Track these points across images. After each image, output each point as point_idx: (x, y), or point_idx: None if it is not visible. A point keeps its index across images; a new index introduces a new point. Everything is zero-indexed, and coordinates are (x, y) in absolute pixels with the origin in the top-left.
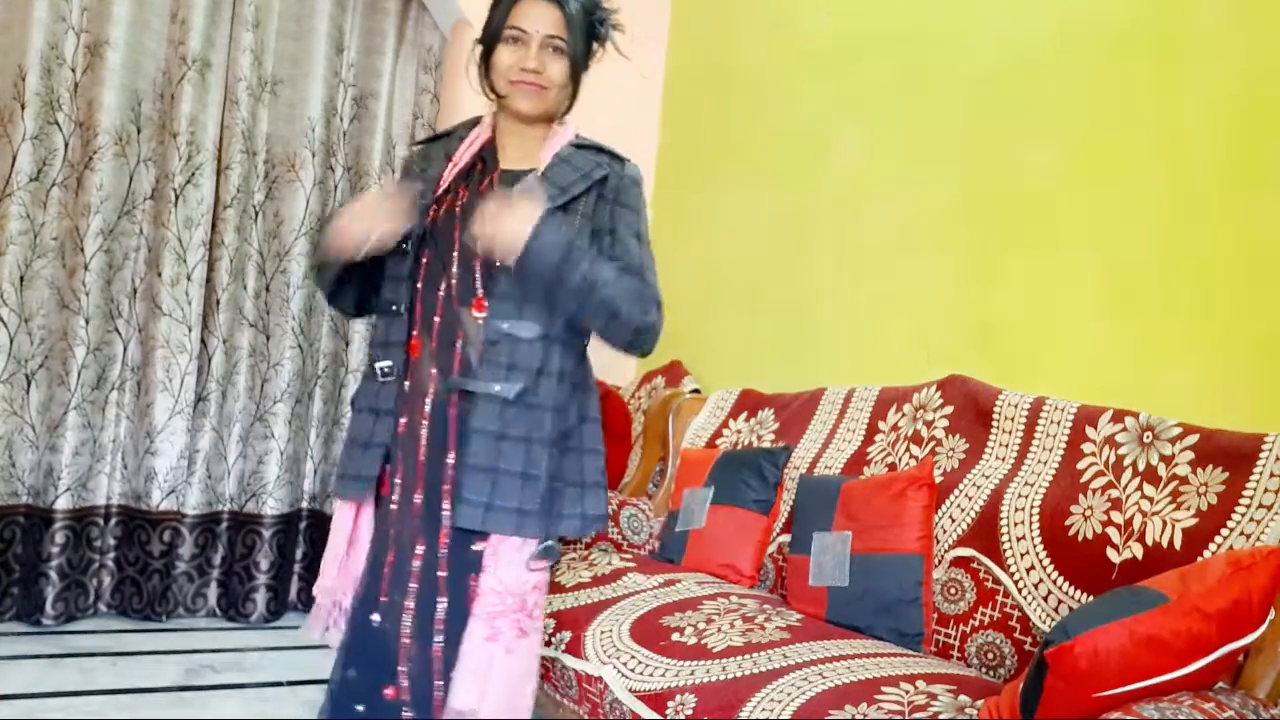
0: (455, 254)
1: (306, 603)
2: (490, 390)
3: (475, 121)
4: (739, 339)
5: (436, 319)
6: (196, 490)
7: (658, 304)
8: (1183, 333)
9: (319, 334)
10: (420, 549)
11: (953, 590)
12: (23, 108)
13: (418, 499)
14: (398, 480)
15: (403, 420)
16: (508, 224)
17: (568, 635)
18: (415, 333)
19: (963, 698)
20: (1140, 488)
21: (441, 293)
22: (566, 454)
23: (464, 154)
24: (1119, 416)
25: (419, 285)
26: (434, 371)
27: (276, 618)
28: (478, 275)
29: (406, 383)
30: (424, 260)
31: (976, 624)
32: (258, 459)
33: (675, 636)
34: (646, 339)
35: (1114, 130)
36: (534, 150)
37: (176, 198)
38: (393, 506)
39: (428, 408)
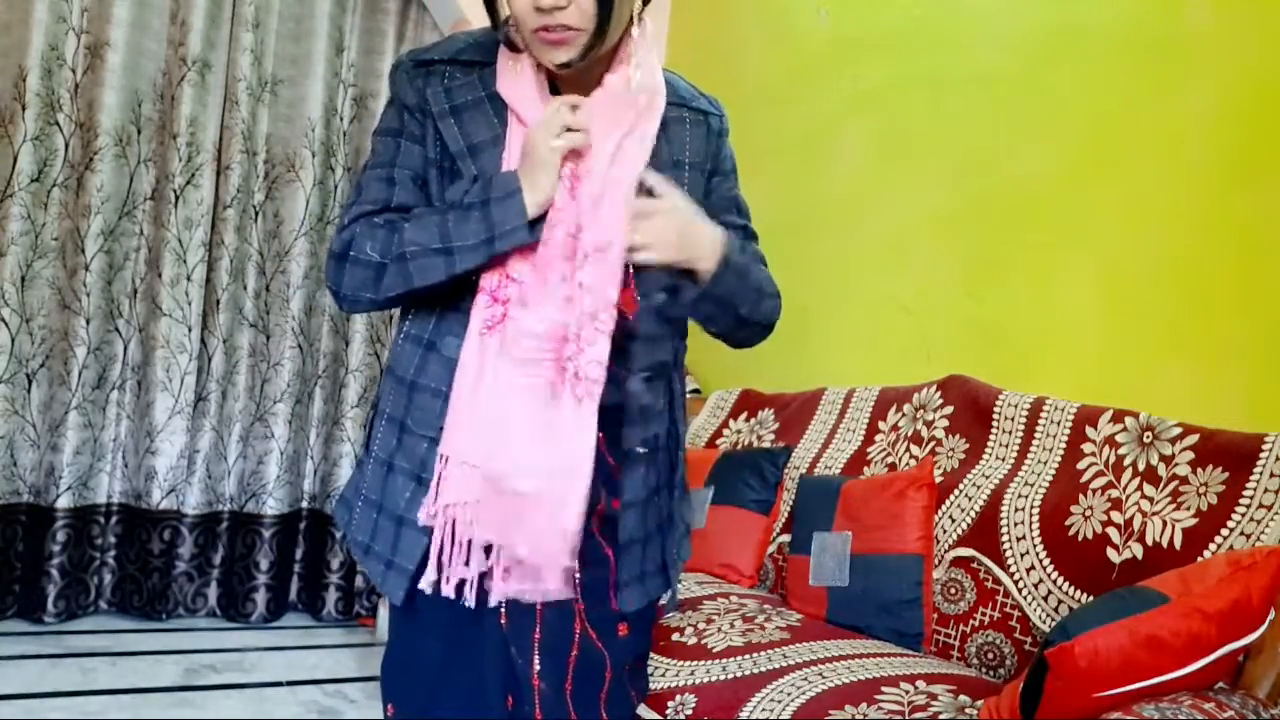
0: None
1: (307, 603)
2: (639, 448)
3: (492, 38)
4: None
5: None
6: (196, 490)
7: (776, 292)
8: (1182, 333)
9: (319, 334)
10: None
11: (953, 590)
12: (23, 109)
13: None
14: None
15: None
16: (686, 226)
17: None
18: None
19: (963, 698)
20: (1140, 488)
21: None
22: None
23: (522, 95)
24: (1119, 416)
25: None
26: None
27: (276, 617)
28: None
29: None
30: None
31: (976, 624)
32: (257, 459)
33: (675, 636)
34: (765, 336)
35: (1114, 130)
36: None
37: (176, 198)
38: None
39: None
